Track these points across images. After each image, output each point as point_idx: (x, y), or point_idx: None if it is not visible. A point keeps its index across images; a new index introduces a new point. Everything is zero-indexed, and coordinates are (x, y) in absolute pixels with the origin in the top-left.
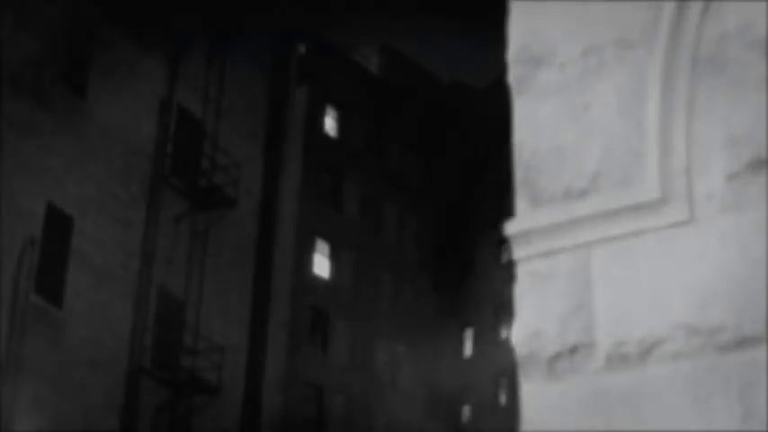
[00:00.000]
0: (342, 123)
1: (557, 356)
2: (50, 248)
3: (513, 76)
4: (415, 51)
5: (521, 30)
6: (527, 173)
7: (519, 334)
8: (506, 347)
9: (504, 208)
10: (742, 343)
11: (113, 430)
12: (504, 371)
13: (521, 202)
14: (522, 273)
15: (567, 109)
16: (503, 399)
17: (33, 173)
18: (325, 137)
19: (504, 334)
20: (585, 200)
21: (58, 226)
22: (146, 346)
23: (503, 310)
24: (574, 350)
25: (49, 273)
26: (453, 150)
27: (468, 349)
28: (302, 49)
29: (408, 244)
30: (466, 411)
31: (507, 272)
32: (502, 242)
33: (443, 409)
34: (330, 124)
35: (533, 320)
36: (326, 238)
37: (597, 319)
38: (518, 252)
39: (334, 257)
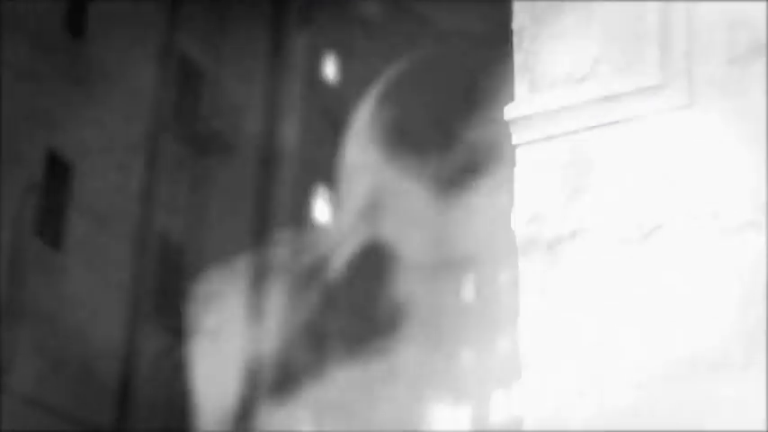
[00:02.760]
0: (342, 69)
1: (557, 240)
2: (50, 194)
3: None
4: None
5: None
6: (527, 57)
7: (519, 218)
8: (507, 293)
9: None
10: (742, 227)
11: (113, 375)
12: (505, 316)
13: (520, 87)
14: (521, 157)
15: None
16: (503, 344)
17: (33, 118)
18: (325, 83)
19: (504, 279)
20: (586, 85)
21: (58, 171)
22: (146, 292)
23: (503, 255)
24: (573, 234)
25: (49, 218)
26: (454, 98)
27: (468, 295)
28: None
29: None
30: (466, 356)
31: (507, 217)
32: (501, 187)
33: (444, 355)
34: (330, 70)
35: (533, 204)
36: (327, 183)
37: (597, 203)
38: (518, 137)
39: (336, 203)
